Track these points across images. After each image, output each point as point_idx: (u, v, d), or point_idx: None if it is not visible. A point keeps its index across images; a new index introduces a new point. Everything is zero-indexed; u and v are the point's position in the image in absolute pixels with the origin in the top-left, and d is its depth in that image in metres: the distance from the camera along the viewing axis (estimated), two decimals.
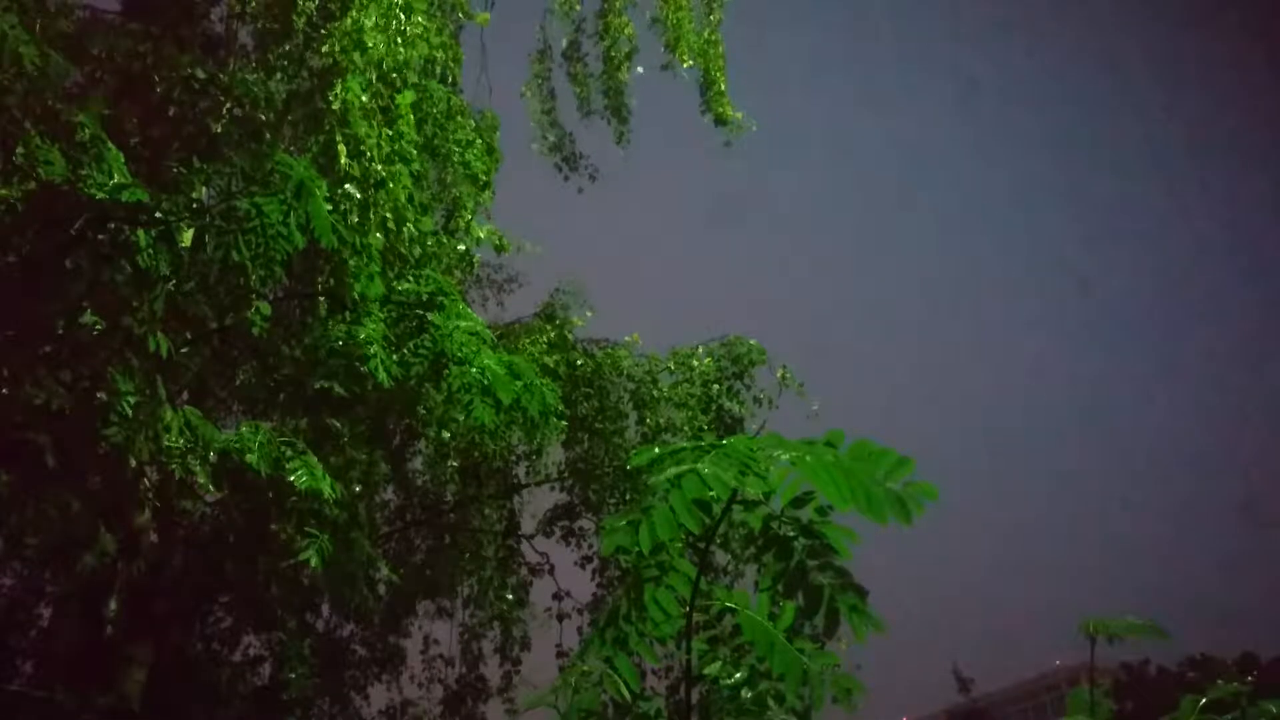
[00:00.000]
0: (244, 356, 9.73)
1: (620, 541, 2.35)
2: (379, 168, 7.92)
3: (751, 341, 13.70)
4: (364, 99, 7.91)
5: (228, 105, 8.47)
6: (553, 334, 12.80)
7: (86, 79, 9.09)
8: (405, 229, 8.14)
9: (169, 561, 10.38)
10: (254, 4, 9.87)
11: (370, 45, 8.05)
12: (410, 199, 8.20)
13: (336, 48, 8.02)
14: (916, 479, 2.14)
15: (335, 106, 7.78)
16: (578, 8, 14.68)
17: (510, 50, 15.92)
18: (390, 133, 8.17)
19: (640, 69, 14.04)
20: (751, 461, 2.21)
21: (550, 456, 13.63)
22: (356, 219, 7.52)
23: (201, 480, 6.91)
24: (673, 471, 2.25)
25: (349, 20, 8.11)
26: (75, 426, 6.39)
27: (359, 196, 7.66)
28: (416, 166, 8.53)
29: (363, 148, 7.82)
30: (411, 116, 8.60)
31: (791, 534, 2.36)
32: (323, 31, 8.32)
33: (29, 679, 11.00)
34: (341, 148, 7.76)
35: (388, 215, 7.93)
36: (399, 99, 8.37)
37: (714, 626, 2.96)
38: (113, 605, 9.96)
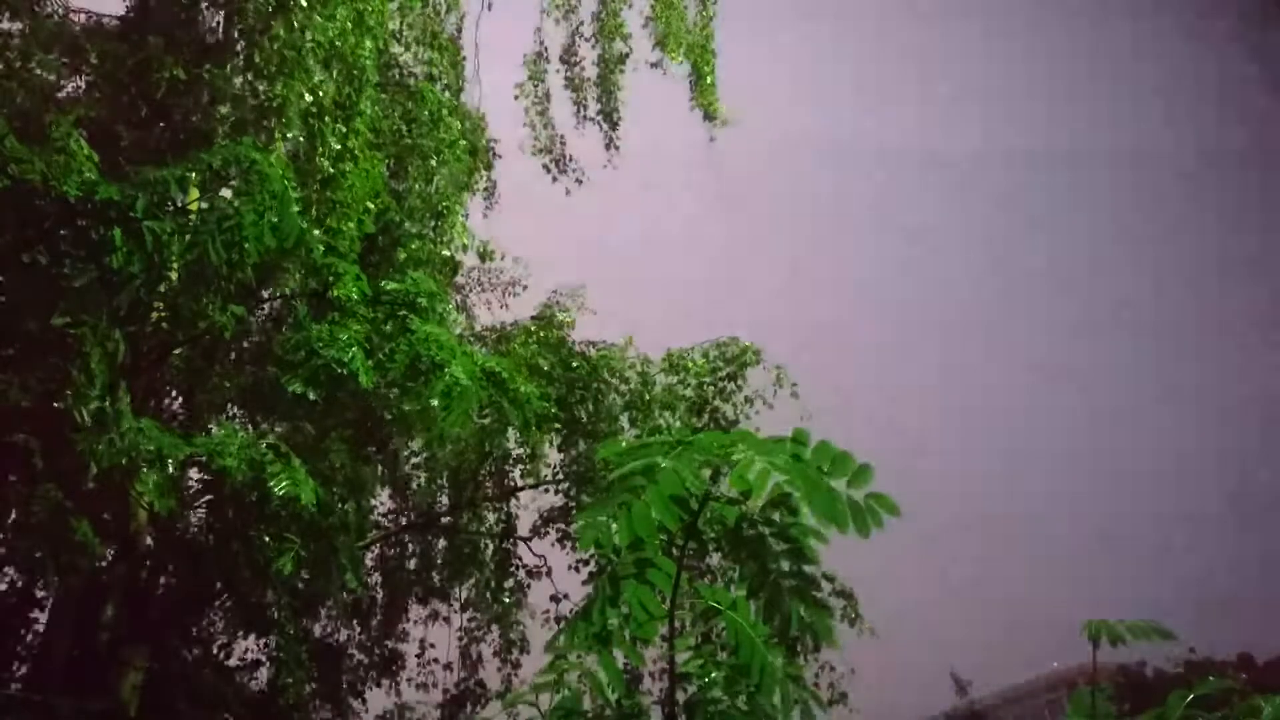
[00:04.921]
0: (235, 359, 9.73)
1: (596, 536, 2.33)
2: (326, 164, 7.87)
3: (746, 343, 13.73)
4: (306, 98, 7.85)
5: (217, 106, 8.45)
6: (543, 335, 12.78)
7: (85, 83, 9.09)
8: (347, 227, 8.07)
9: (164, 566, 10.36)
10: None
11: (318, 39, 7.98)
12: (348, 200, 8.13)
13: (286, 47, 7.94)
14: (880, 488, 2.10)
15: (275, 104, 7.72)
16: (575, 10, 14.77)
17: (509, 52, 15.98)
18: (344, 129, 8.12)
19: (634, 69, 14.19)
20: (720, 458, 2.19)
21: (545, 459, 13.63)
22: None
23: (150, 495, 6.87)
24: (631, 466, 2.23)
25: (299, 16, 8.03)
26: (60, 430, 6.37)
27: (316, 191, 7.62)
28: (367, 165, 8.47)
29: (316, 144, 7.77)
30: (368, 115, 8.56)
31: (757, 533, 2.33)
32: (272, 26, 8.25)
33: (25, 683, 10.97)
34: (279, 144, 7.71)
35: (328, 212, 7.87)
36: (359, 98, 8.32)
37: (703, 625, 2.94)
38: (108, 609, 9.94)
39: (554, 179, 15.14)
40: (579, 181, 15.18)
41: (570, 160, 15.14)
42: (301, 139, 7.84)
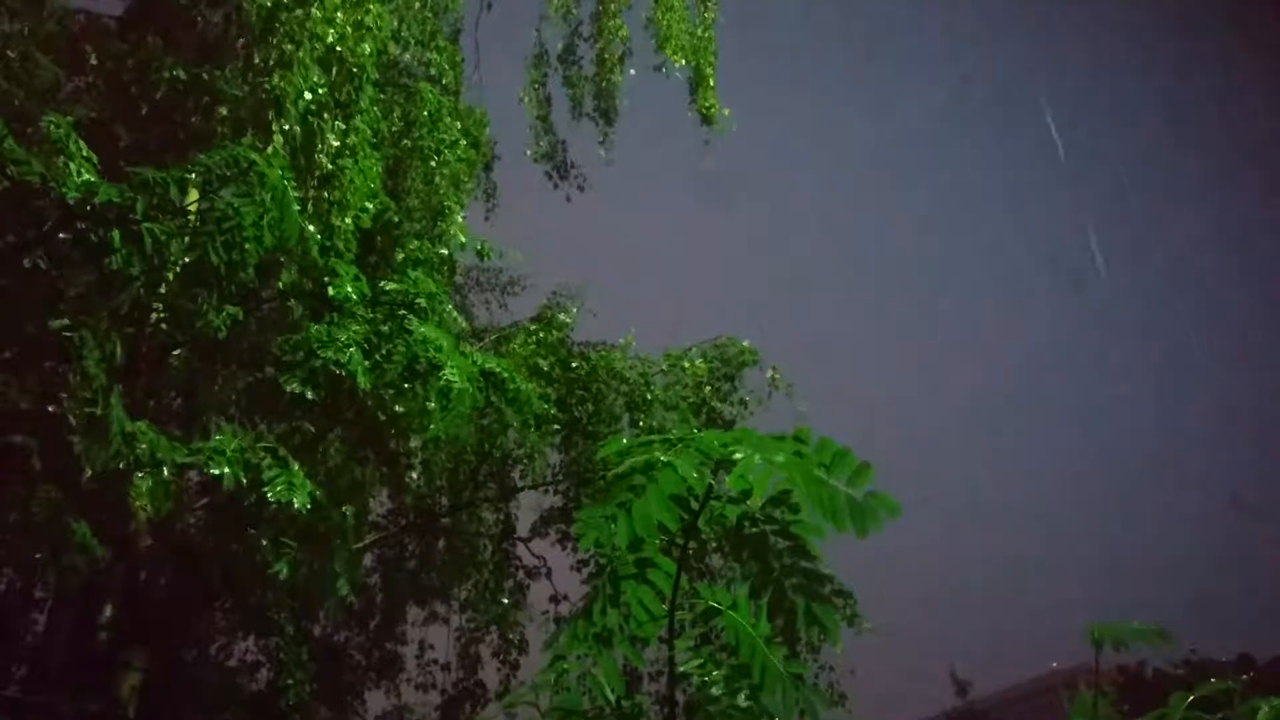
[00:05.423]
0: (233, 361, 9.71)
1: (596, 535, 2.32)
2: (325, 161, 7.85)
3: (743, 343, 13.76)
4: (305, 95, 7.81)
5: (218, 106, 8.44)
6: (542, 335, 12.79)
7: (84, 84, 9.08)
8: (342, 224, 8.04)
9: (163, 567, 10.35)
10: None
11: (320, 36, 7.94)
12: (346, 198, 8.10)
13: (286, 41, 7.91)
14: (878, 489, 2.05)
15: (273, 97, 7.68)
16: (574, 11, 14.79)
17: (509, 52, 16.04)
18: (343, 127, 8.10)
19: (633, 71, 14.23)
20: (721, 457, 2.18)
21: (545, 459, 13.64)
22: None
23: (141, 500, 6.85)
24: (630, 464, 2.22)
25: (298, 12, 8.01)
26: (59, 431, 6.36)
27: (314, 191, 7.62)
28: (367, 163, 8.46)
29: (316, 141, 7.76)
30: (369, 113, 8.54)
31: (759, 531, 2.32)
32: (275, 24, 8.22)
33: (24, 684, 10.96)
34: (278, 139, 7.69)
35: (326, 209, 7.85)
36: (360, 95, 8.29)
37: (703, 626, 2.93)
38: (108, 610, 9.93)
39: (555, 185, 15.18)
40: (580, 188, 15.23)
41: (572, 167, 15.18)
42: (300, 135, 7.81)
